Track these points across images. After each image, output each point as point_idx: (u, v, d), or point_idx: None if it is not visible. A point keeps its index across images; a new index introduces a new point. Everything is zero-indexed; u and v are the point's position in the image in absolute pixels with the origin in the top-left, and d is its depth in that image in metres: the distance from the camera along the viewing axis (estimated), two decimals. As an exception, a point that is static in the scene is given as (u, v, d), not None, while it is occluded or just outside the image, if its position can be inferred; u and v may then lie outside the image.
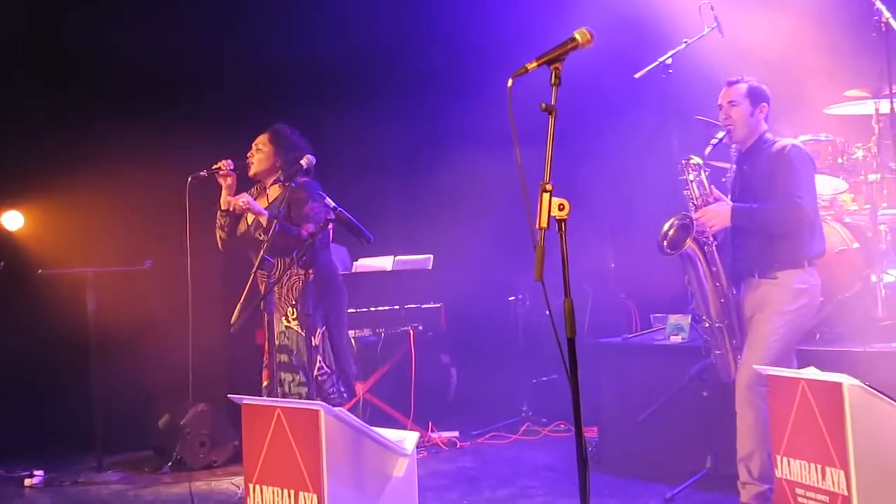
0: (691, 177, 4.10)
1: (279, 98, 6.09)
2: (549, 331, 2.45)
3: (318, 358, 4.22)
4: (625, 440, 5.02)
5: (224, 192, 4.25)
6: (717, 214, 3.99)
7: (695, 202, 4.12)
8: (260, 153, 4.32)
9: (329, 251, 4.38)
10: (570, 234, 2.30)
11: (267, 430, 3.42)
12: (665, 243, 4.02)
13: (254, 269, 4.00)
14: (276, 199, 4.30)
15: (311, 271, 4.11)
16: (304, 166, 4.19)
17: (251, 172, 4.32)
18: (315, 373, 4.21)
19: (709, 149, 4.15)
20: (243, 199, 4.12)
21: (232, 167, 4.24)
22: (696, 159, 4.12)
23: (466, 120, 5.95)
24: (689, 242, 4.00)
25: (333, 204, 4.10)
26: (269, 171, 4.36)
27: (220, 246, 4.33)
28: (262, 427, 3.46)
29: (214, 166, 4.21)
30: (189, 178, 4.03)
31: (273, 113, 4.51)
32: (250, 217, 4.30)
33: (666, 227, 4.05)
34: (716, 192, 4.11)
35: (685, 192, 4.11)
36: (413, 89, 6.51)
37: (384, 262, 6.13)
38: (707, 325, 4.13)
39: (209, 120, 5.98)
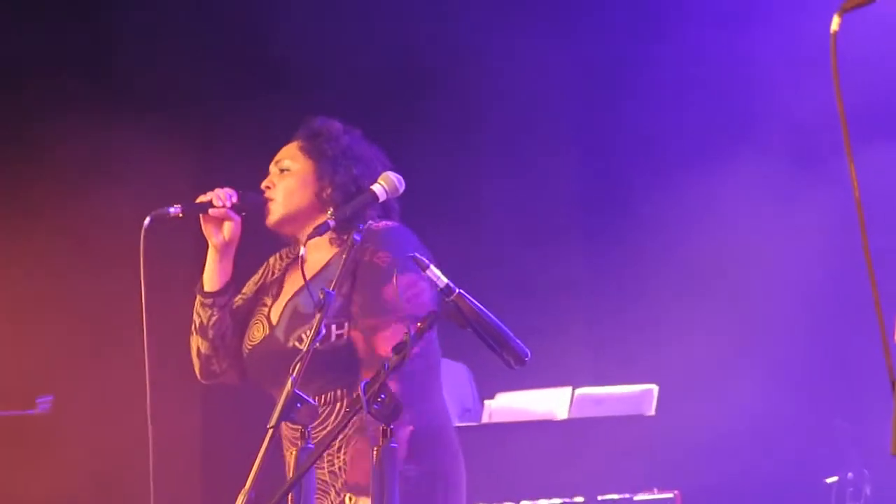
0: None
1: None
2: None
3: None
4: None
5: (212, 255, 2.94)
6: None
7: None
8: (288, 178, 3.02)
9: (438, 381, 3.06)
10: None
11: None
12: None
13: (274, 419, 2.56)
14: (325, 267, 2.98)
15: (395, 426, 2.64)
16: (379, 197, 2.85)
17: (272, 218, 2.99)
18: None
19: None
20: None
21: (234, 201, 2.92)
22: None
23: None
24: None
25: (447, 281, 2.64)
26: (308, 211, 2.99)
27: (198, 372, 3.04)
28: None
29: (200, 199, 2.96)
30: (147, 220, 2.87)
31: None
32: (275, 312, 2.95)
33: None
34: None
35: None
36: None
37: (553, 402, 4.63)
38: None
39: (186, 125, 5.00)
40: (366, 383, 2.56)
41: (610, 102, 5.18)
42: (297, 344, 2.87)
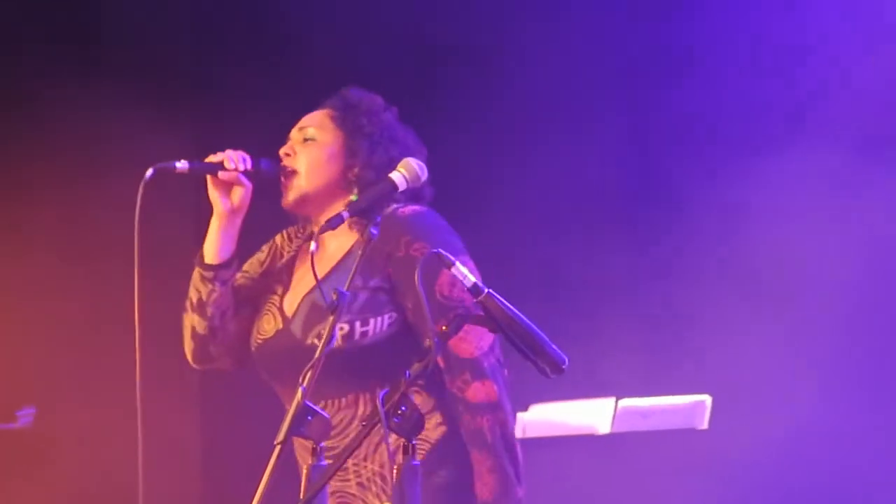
0: None
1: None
2: None
3: None
4: None
5: (217, 223, 2.78)
6: None
7: None
8: (313, 148, 2.83)
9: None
10: None
11: None
12: None
13: (282, 434, 2.36)
14: (347, 256, 2.84)
15: (428, 437, 2.75)
16: (399, 186, 2.62)
17: (291, 194, 2.80)
18: None
19: None
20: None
21: (248, 167, 2.78)
22: None
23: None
24: None
25: (474, 280, 2.47)
26: (330, 189, 2.82)
27: (190, 355, 2.90)
28: None
29: (209, 159, 2.80)
30: (149, 171, 2.72)
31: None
32: (290, 303, 2.81)
33: None
34: None
35: None
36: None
37: (594, 415, 4.43)
38: None
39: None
40: (385, 394, 2.40)
41: (652, 84, 4.89)
42: (315, 341, 2.69)
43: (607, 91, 5.06)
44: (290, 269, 2.85)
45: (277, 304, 2.84)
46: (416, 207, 2.80)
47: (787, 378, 4.64)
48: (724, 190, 4.63)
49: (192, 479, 4.42)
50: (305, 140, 2.84)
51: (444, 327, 2.43)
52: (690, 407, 4.32)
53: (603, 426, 4.40)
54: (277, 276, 2.84)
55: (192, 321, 2.85)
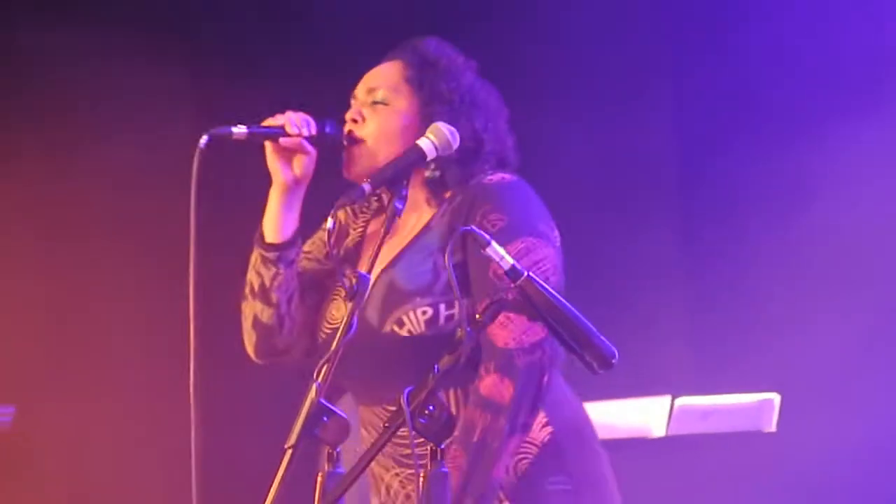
0: None
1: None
2: None
3: None
4: None
5: (278, 196, 2.59)
6: None
7: None
8: (386, 114, 2.62)
9: (559, 369, 2.66)
10: None
11: None
12: None
13: (293, 437, 2.21)
14: (425, 231, 2.63)
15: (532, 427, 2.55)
16: (427, 154, 2.44)
17: (356, 168, 2.59)
18: None
19: None
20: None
21: (312, 131, 2.54)
22: None
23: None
24: None
25: (512, 262, 2.29)
26: (403, 156, 2.58)
27: (252, 348, 2.66)
28: None
29: (267, 122, 2.56)
30: (204, 139, 2.44)
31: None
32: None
33: None
34: None
35: None
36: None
37: (648, 414, 4.30)
38: None
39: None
40: (409, 392, 2.23)
41: (704, 56, 4.63)
42: (396, 328, 2.52)
43: (656, 63, 4.82)
44: (357, 248, 2.68)
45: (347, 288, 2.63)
46: (506, 176, 2.58)
47: (864, 374, 4.40)
48: (784, 171, 4.40)
49: (185, 489, 4.29)
50: (374, 103, 2.62)
51: (478, 315, 2.23)
52: (756, 406, 4.16)
53: (658, 428, 4.28)
54: (345, 257, 2.67)
55: (254, 309, 2.65)
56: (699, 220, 4.66)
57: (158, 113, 4.03)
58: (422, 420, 2.21)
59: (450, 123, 2.55)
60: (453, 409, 2.55)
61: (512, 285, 2.26)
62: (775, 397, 4.07)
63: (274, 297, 2.63)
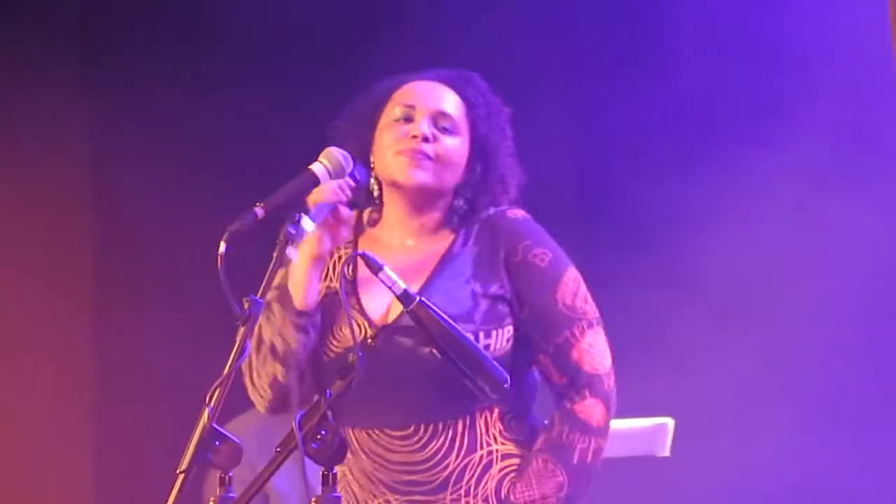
0: None
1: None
2: None
3: None
4: None
5: (307, 265, 2.54)
6: None
7: None
8: (452, 141, 2.61)
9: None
10: None
11: None
12: None
13: (187, 461, 2.23)
14: (448, 258, 2.64)
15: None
16: (320, 179, 2.47)
17: (417, 178, 2.63)
18: None
19: None
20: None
21: (348, 194, 2.53)
22: None
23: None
24: None
25: (404, 286, 2.50)
26: (447, 191, 2.66)
27: (266, 404, 2.65)
28: None
29: (315, 200, 2.52)
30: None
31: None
32: (374, 303, 2.64)
33: None
34: None
35: None
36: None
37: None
38: None
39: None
40: (301, 416, 2.27)
41: (595, 82, 4.59)
42: (435, 351, 2.52)
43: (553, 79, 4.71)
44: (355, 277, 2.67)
45: (358, 309, 2.61)
46: (521, 211, 2.64)
47: (759, 399, 4.44)
48: (684, 195, 4.38)
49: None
50: (445, 129, 2.60)
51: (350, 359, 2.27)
52: (650, 431, 4.01)
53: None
54: (346, 289, 2.65)
55: (273, 370, 2.61)
56: (598, 243, 4.61)
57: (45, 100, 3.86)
58: (314, 445, 2.22)
59: (485, 171, 2.62)
60: (480, 433, 2.59)
61: (405, 310, 2.32)
62: (669, 422, 3.94)
63: (299, 358, 2.61)
